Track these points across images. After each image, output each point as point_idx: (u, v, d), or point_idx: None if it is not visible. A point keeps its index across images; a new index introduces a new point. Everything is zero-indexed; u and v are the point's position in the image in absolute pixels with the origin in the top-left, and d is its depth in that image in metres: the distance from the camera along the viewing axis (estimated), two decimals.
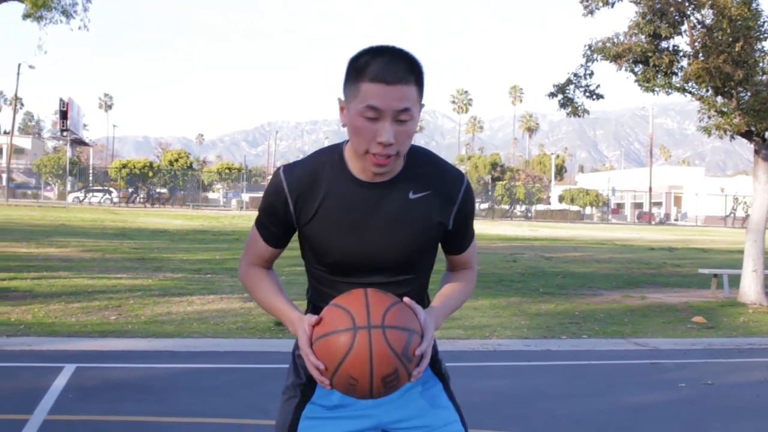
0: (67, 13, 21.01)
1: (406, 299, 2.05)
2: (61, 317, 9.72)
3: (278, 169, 2.20)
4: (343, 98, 2.07)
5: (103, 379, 6.79)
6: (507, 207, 71.38)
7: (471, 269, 2.41)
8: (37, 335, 8.63)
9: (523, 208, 73.65)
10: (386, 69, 1.95)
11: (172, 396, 6.29)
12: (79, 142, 79.05)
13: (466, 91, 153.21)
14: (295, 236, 2.29)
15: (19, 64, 59.21)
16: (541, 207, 76.54)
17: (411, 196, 2.15)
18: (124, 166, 63.52)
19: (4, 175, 62.51)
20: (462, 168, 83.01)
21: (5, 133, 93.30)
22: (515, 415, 6.09)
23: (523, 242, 29.94)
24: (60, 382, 6.50)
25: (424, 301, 2.32)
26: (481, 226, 38.52)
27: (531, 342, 9.48)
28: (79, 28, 21.54)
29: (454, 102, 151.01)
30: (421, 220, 2.16)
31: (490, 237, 32.59)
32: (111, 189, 63.56)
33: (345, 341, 1.94)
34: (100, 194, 61.86)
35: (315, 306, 2.26)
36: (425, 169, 2.18)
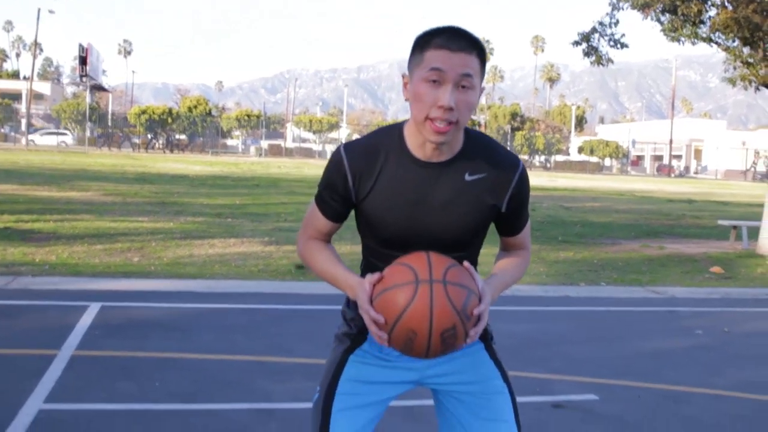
0: None
1: (466, 263, 2.10)
2: (84, 258, 9.85)
3: (339, 146, 2.25)
4: (407, 73, 2.12)
5: (128, 317, 6.92)
6: (526, 157, 71.14)
7: (525, 249, 2.44)
8: (62, 275, 8.77)
9: (543, 158, 73.45)
10: (451, 40, 2.02)
11: (196, 334, 6.40)
12: (98, 88, 79.11)
13: (487, 41, 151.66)
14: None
15: (39, 9, 59.03)
16: (560, 158, 76.31)
17: (467, 177, 2.18)
18: (143, 112, 63.54)
19: (24, 120, 62.73)
20: (481, 118, 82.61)
21: (25, 78, 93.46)
22: (535, 357, 6.17)
23: (542, 192, 29.87)
24: (86, 320, 6.62)
25: None
26: None
27: (549, 288, 9.54)
28: None
29: None
30: (475, 202, 2.19)
31: None
32: (65, 131, 63.95)
33: (407, 294, 1.98)
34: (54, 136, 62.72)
35: None
36: (482, 152, 2.21)
